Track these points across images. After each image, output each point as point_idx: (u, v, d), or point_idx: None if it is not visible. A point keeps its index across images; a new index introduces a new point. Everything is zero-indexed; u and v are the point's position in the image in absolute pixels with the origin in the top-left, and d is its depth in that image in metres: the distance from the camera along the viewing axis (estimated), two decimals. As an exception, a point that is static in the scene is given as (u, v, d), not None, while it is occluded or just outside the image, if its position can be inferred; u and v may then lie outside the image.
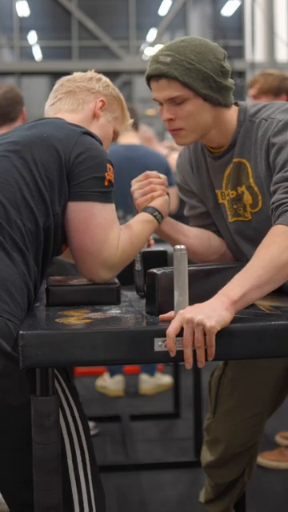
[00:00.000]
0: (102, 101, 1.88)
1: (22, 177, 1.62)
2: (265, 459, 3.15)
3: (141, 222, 1.80)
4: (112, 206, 1.72)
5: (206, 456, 2.23)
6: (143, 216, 1.81)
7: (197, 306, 1.41)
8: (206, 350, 1.39)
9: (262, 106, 1.83)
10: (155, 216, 1.82)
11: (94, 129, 1.84)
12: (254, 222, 1.84)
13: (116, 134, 1.96)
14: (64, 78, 1.92)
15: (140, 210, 1.84)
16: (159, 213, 1.82)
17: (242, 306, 1.45)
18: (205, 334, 1.37)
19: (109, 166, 1.71)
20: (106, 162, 1.71)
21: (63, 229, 1.70)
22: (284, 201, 1.62)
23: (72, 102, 1.87)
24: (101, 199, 1.69)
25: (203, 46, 1.73)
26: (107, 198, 1.70)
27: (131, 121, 2.01)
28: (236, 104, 1.85)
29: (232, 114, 1.82)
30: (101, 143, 1.75)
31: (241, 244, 1.90)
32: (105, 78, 1.94)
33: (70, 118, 1.83)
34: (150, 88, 1.79)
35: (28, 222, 1.60)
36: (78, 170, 1.67)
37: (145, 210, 1.83)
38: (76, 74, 1.93)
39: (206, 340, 1.38)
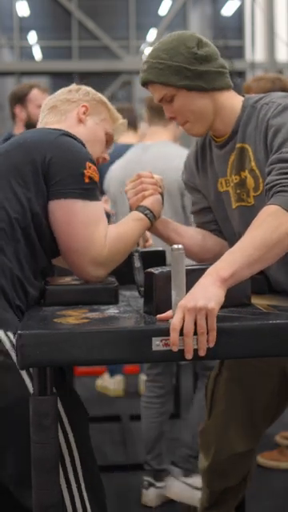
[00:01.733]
0: (84, 106, 1.94)
1: None
2: (265, 459, 3.15)
3: (131, 220, 1.83)
4: (96, 204, 1.74)
5: (202, 461, 2.18)
6: (134, 215, 1.84)
7: (191, 293, 1.42)
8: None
9: (264, 94, 1.87)
10: (146, 214, 1.84)
11: (82, 132, 1.88)
12: (256, 206, 1.83)
13: (110, 136, 1.98)
14: (47, 98, 2.00)
15: (133, 209, 1.87)
16: (150, 211, 1.85)
17: (233, 283, 1.48)
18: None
19: (88, 163, 1.73)
20: (84, 160, 1.73)
21: (51, 229, 1.72)
22: (277, 182, 1.63)
23: (55, 114, 1.94)
24: (81, 196, 1.71)
25: (175, 40, 1.79)
26: (89, 195, 1.72)
27: (123, 121, 2.02)
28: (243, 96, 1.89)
29: (233, 98, 1.86)
30: (82, 144, 1.78)
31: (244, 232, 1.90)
32: (84, 87, 1.99)
33: (57, 127, 1.87)
34: None
35: (2, 223, 1.65)
36: (54, 169, 1.70)
37: (136, 209, 1.86)
38: (58, 91, 1.99)
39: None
